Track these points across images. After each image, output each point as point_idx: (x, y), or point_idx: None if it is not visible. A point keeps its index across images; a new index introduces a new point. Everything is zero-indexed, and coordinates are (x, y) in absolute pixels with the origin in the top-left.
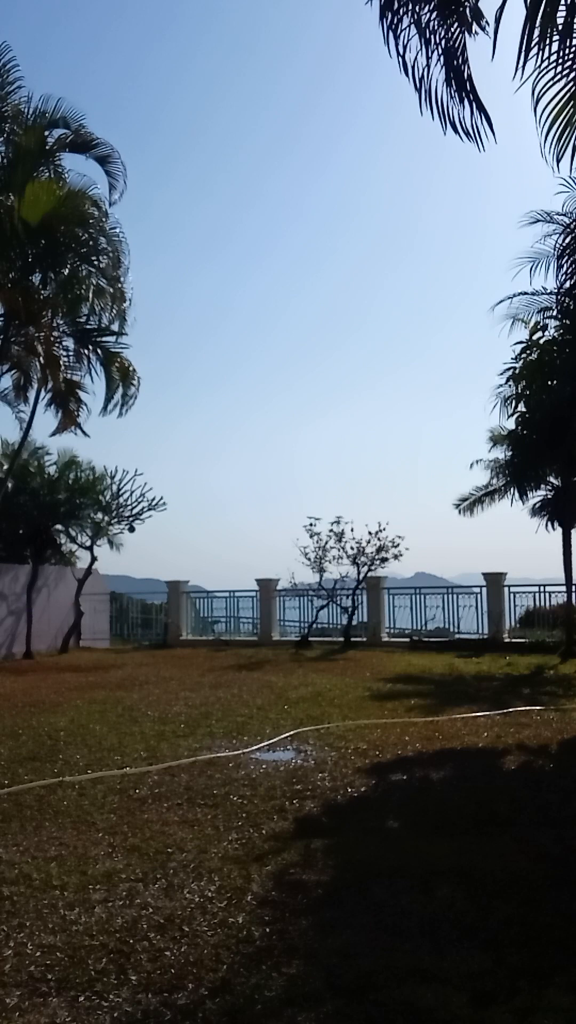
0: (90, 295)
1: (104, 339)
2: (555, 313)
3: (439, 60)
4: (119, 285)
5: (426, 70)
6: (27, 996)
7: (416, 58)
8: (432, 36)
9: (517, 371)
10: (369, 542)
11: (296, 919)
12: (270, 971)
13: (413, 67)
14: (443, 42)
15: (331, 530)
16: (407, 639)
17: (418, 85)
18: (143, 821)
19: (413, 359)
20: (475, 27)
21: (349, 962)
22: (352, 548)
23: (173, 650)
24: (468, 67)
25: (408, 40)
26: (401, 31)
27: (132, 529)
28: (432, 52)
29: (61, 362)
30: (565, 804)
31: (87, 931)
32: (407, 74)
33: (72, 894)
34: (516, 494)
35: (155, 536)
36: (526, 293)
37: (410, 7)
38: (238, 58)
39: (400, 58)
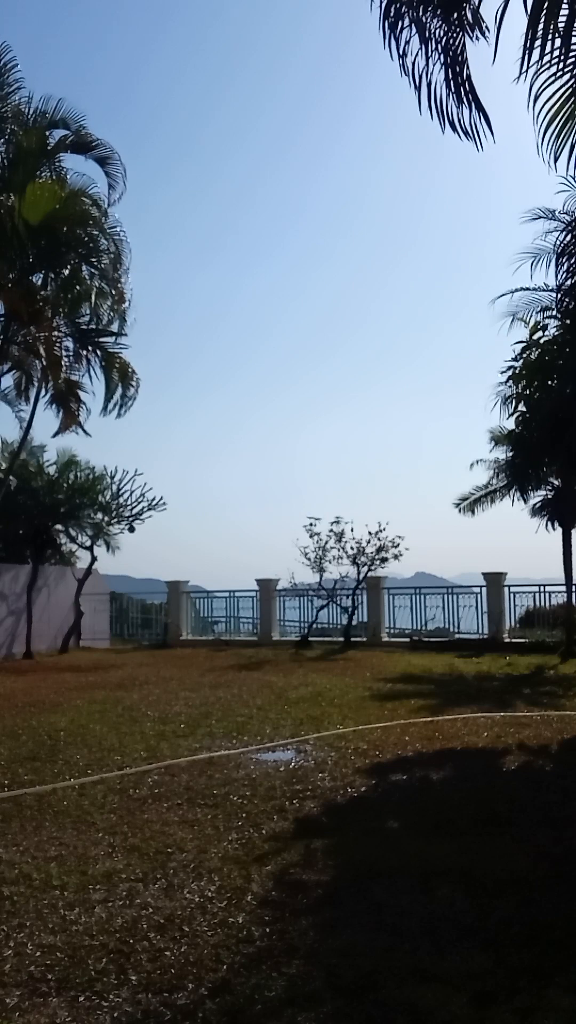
0: (91, 295)
1: (104, 339)
2: (555, 313)
3: (439, 60)
4: (119, 286)
5: (425, 70)
6: (27, 996)
7: (416, 59)
8: (432, 37)
9: (517, 371)
10: (369, 542)
11: (296, 919)
12: (270, 971)
13: (413, 67)
14: (443, 43)
15: (331, 530)
16: (407, 639)
17: (418, 85)
18: (143, 821)
19: (414, 359)
20: (474, 30)
21: (349, 962)
22: (352, 548)
23: (173, 650)
24: (467, 68)
25: (408, 40)
26: (401, 31)
27: (132, 529)
28: (432, 53)
29: (62, 362)
30: (565, 804)
31: (87, 931)
32: (407, 74)
33: (72, 894)
34: (516, 494)
35: (155, 536)
36: (527, 288)
37: (410, 9)
38: (238, 58)
39: (400, 59)
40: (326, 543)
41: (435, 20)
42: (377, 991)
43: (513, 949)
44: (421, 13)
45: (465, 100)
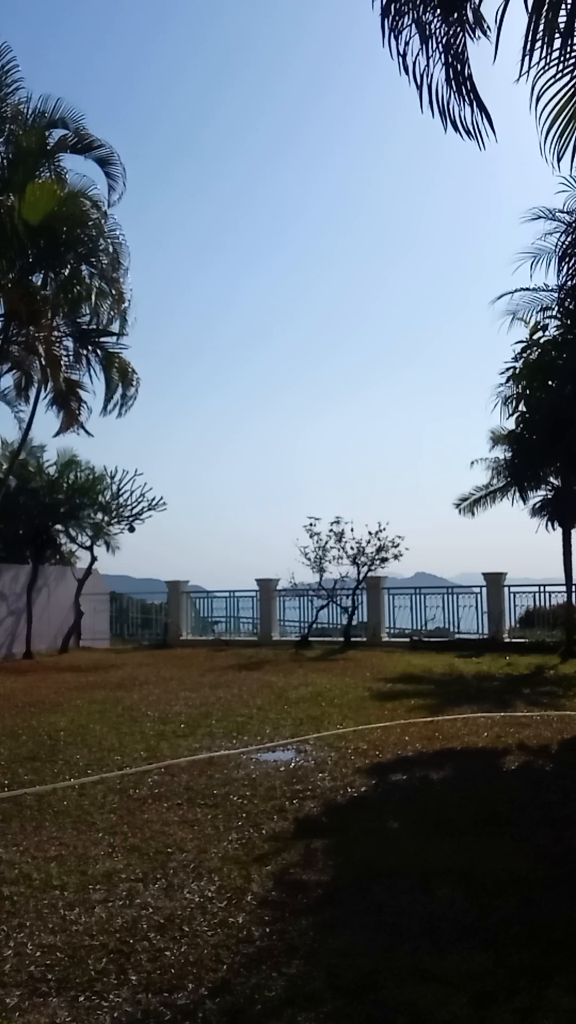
0: (91, 296)
1: (104, 339)
2: (555, 313)
3: (439, 59)
4: (119, 285)
5: (426, 69)
6: (27, 996)
7: (416, 57)
8: (433, 36)
9: (517, 371)
10: (369, 542)
11: (296, 919)
12: (270, 971)
13: (413, 66)
14: (443, 42)
15: (331, 530)
16: (407, 639)
17: (419, 84)
18: (143, 821)
19: (414, 359)
20: (475, 29)
21: (349, 962)
22: (352, 548)
23: (173, 650)
24: (468, 66)
25: (409, 39)
26: (402, 30)
27: (132, 529)
28: (433, 51)
29: (62, 362)
30: (565, 804)
31: (87, 931)
32: (407, 73)
33: (72, 894)
34: (516, 494)
35: (155, 536)
36: (527, 288)
37: (411, 7)
38: (238, 58)
39: (400, 58)
40: (326, 543)
41: (435, 19)
42: (377, 991)
43: (513, 949)
44: (421, 12)
45: (466, 99)
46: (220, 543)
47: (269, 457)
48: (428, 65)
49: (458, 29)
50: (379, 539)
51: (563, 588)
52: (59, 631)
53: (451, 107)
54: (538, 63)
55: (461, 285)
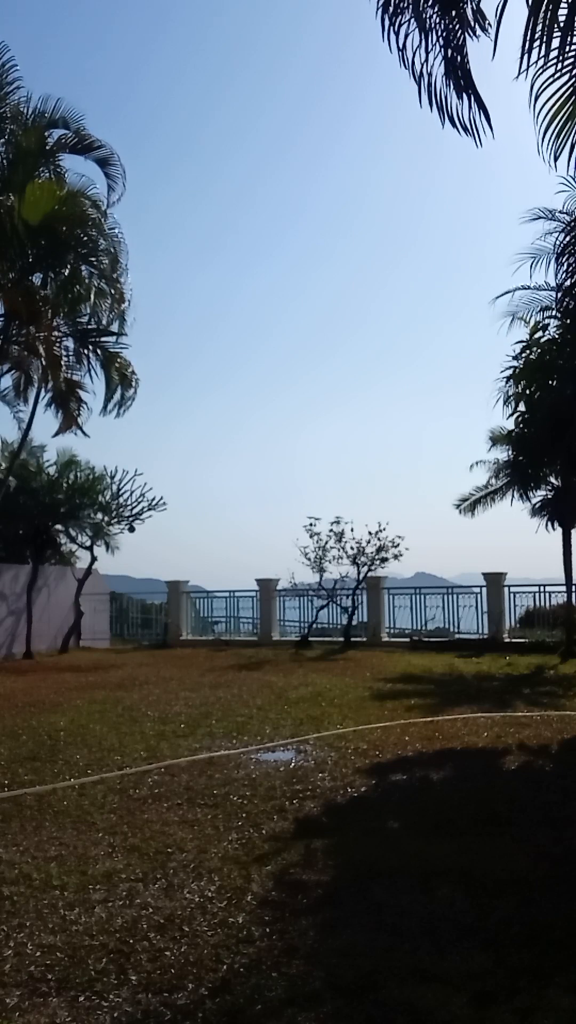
0: (91, 296)
1: (104, 339)
2: (555, 313)
3: (439, 54)
4: (118, 285)
5: (425, 64)
6: (27, 996)
7: (416, 52)
8: (432, 30)
9: (517, 370)
10: (369, 542)
11: (296, 919)
12: (270, 971)
13: (412, 61)
14: (443, 37)
15: (331, 530)
16: (407, 639)
17: (417, 79)
18: (143, 821)
19: (414, 359)
20: (475, 26)
21: (349, 962)
22: (352, 548)
23: (173, 650)
24: (467, 62)
25: (408, 34)
26: (401, 25)
27: (132, 529)
28: (432, 47)
29: (62, 362)
30: (565, 804)
31: (87, 931)
32: (406, 67)
33: (72, 894)
34: (517, 494)
35: (155, 536)
36: (528, 287)
37: (410, 2)
38: (238, 58)
39: (400, 52)
40: (326, 543)
41: (434, 15)
42: (377, 991)
43: (513, 949)
44: (421, 7)
45: (465, 95)
46: (220, 543)
47: (269, 457)
48: (427, 60)
49: (457, 25)
50: (379, 539)
51: (563, 588)
52: (59, 631)
53: (450, 103)
54: (537, 61)
55: (461, 285)
